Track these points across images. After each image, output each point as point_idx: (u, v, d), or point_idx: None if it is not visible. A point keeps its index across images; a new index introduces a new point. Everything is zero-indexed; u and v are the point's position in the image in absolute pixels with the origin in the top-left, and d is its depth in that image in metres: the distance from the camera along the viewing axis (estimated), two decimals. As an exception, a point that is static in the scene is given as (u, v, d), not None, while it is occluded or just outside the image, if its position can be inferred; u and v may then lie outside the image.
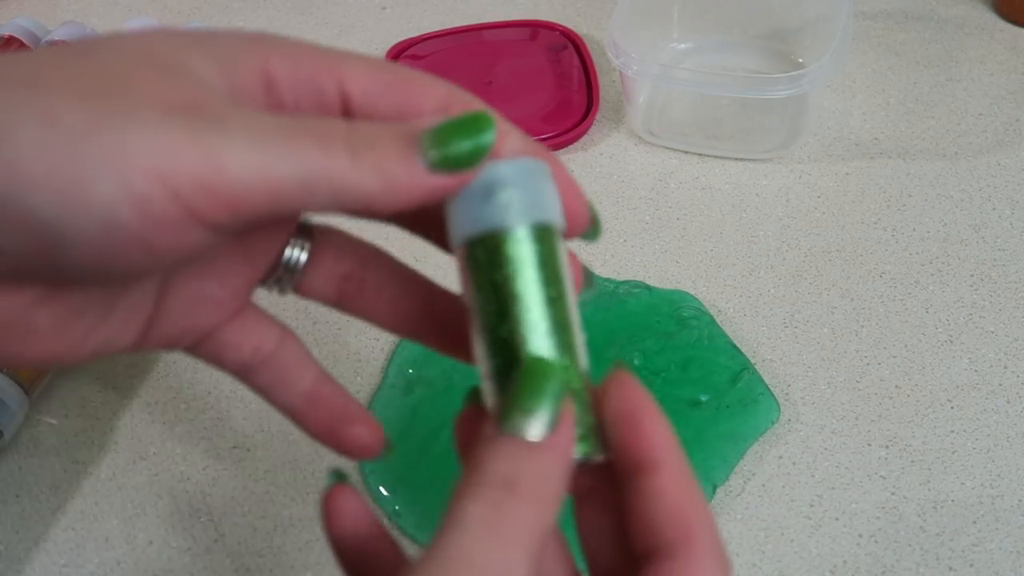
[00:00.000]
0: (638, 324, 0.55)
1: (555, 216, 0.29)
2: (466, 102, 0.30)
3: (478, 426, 0.29)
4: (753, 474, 0.50)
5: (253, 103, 0.28)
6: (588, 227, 0.31)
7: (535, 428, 0.26)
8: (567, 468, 0.27)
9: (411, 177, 0.27)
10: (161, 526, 0.49)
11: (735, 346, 0.53)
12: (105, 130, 0.24)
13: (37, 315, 0.27)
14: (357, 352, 0.55)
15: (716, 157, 0.65)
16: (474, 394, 0.31)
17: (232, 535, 0.49)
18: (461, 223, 0.28)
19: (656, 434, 0.29)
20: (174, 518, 0.50)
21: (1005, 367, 0.53)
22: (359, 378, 0.54)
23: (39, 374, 0.53)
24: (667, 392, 0.51)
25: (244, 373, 0.33)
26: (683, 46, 0.72)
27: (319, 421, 0.33)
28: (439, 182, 0.27)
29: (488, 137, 0.28)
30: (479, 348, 0.29)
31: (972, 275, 0.58)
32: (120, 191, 0.24)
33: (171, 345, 0.32)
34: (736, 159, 0.65)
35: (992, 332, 0.55)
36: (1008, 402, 0.52)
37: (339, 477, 0.32)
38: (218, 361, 0.33)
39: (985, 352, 0.54)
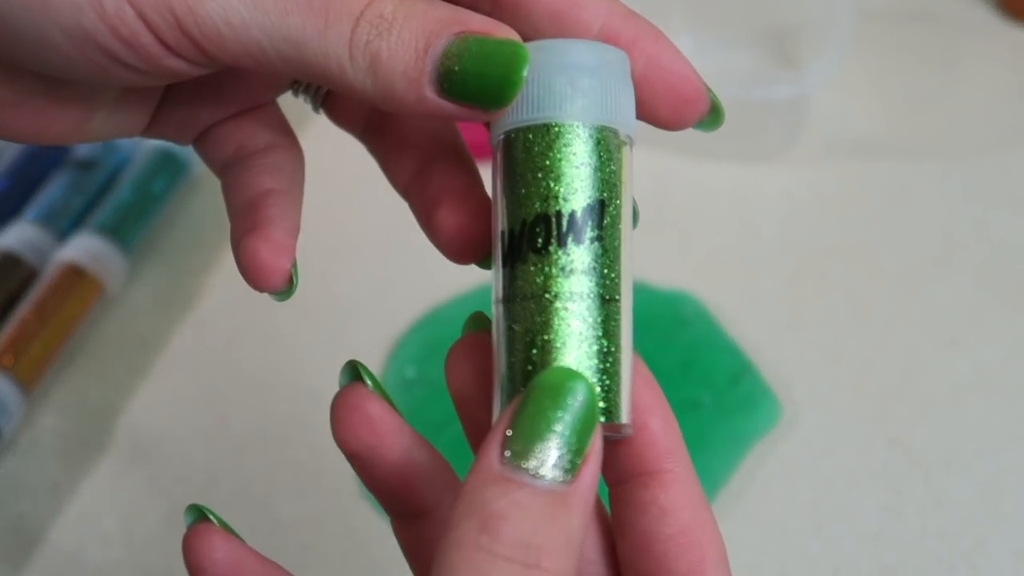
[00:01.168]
0: (638, 324, 0.54)
1: (627, 121, 0.25)
2: (637, 29, 0.24)
3: (477, 362, 0.25)
4: (754, 475, 0.49)
5: None
6: (704, 115, 0.26)
7: (556, 470, 0.21)
8: (589, 517, 0.22)
9: (414, 95, 0.23)
10: (160, 526, 0.49)
11: (736, 346, 0.53)
12: None
13: (30, 90, 0.25)
14: (355, 353, 0.55)
15: (716, 157, 0.65)
16: (476, 320, 0.27)
17: (232, 536, 0.49)
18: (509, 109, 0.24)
19: (664, 438, 0.25)
20: (173, 518, 0.50)
21: (1007, 368, 0.53)
22: (359, 378, 0.54)
23: (39, 374, 0.53)
24: (668, 393, 0.51)
25: (222, 171, 0.30)
26: (683, 46, 0.72)
27: (239, 228, 0.28)
28: (448, 110, 0.23)
29: (515, 82, 0.22)
30: (496, 264, 0.25)
31: (974, 275, 0.58)
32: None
33: (178, 136, 0.29)
34: (736, 159, 0.65)
35: (994, 332, 0.55)
36: (1010, 403, 0.52)
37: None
38: (207, 157, 0.30)
39: (987, 352, 0.54)
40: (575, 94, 0.24)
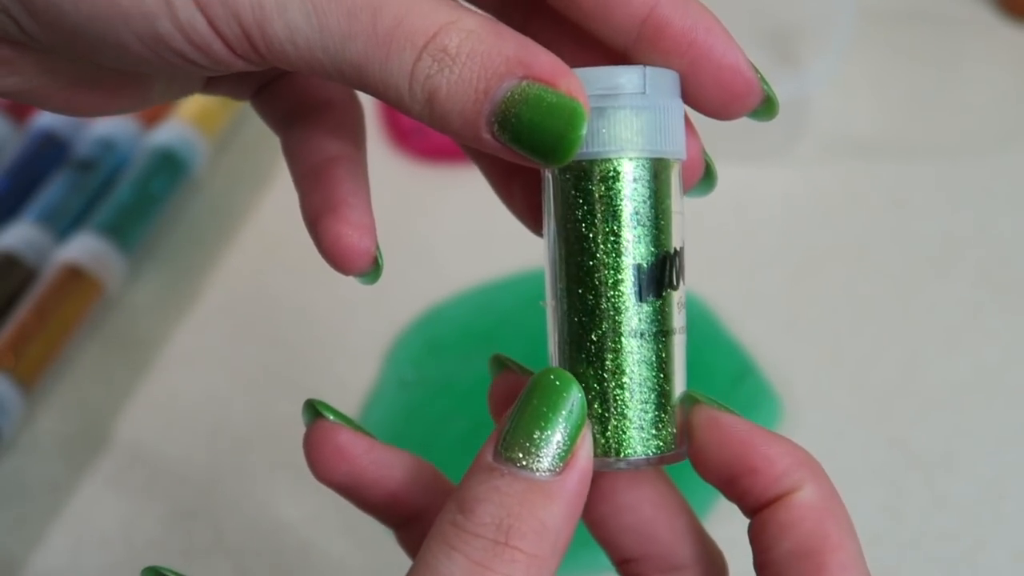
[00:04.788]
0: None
1: (676, 147, 0.25)
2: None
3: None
4: (754, 475, 0.49)
5: None
6: (756, 108, 0.26)
7: (541, 461, 0.22)
8: (577, 513, 0.22)
9: (470, 134, 0.23)
10: (160, 527, 0.49)
11: (737, 346, 0.53)
12: None
13: (100, 77, 0.25)
14: (355, 352, 0.55)
15: (716, 157, 0.65)
16: (496, 362, 0.27)
17: (232, 535, 0.49)
18: None
19: (778, 464, 0.25)
20: (173, 519, 0.50)
21: (1008, 368, 0.53)
22: (356, 379, 0.54)
23: (39, 374, 0.53)
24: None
25: (281, 129, 0.30)
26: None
27: (311, 204, 0.28)
28: (505, 153, 0.23)
29: (572, 140, 0.22)
30: (549, 293, 0.25)
31: (975, 275, 0.58)
32: (161, 6, 0.22)
33: (235, 93, 0.30)
34: (736, 159, 0.65)
35: (995, 332, 0.55)
36: (1010, 403, 0.52)
37: (315, 412, 0.28)
38: (265, 114, 0.30)
39: (988, 353, 0.54)
40: (622, 126, 0.23)
